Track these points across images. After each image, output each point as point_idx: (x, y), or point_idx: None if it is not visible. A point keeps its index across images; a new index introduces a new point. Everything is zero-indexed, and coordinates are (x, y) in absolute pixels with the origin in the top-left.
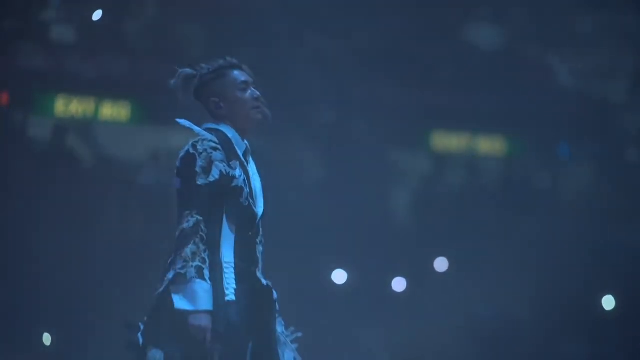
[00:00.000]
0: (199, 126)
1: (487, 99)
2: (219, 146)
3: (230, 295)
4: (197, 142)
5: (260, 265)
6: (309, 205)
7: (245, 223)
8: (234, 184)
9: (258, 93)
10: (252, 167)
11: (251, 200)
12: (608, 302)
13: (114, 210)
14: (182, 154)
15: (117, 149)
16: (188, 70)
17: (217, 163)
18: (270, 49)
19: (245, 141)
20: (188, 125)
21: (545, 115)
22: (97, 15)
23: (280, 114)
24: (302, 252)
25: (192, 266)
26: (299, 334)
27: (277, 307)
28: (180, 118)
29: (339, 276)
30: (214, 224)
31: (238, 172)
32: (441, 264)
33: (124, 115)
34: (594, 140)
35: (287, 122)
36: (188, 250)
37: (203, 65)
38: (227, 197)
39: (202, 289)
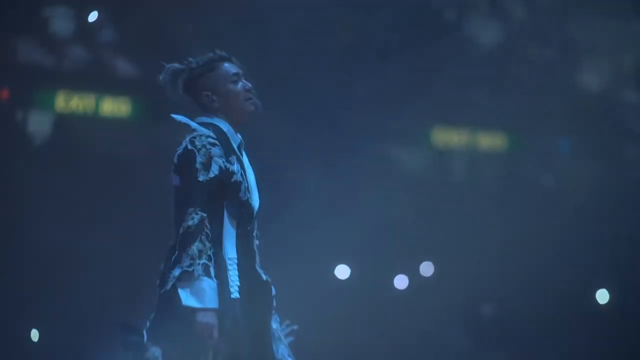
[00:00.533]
0: (193, 120)
1: (487, 94)
2: (216, 141)
3: (235, 292)
4: (195, 137)
5: (258, 259)
6: (310, 203)
7: (245, 217)
8: (233, 179)
9: (249, 85)
10: (246, 161)
11: (248, 195)
12: (602, 296)
13: (114, 206)
14: (180, 150)
15: (117, 144)
16: (176, 65)
17: (216, 158)
18: (271, 45)
19: (239, 134)
20: (184, 121)
21: (546, 111)
22: (93, 16)
23: (280, 111)
24: (303, 248)
25: (199, 264)
26: (295, 327)
27: (275, 303)
28: (180, 113)
29: (342, 271)
30: (215, 220)
31: (236, 166)
32: (426, 269)
33: (125, 111)
34: (594, 136)
35: (286, 119)
36: (195, 247)
37: (191, 59)
38: (226, 193)
39: (209, 287)
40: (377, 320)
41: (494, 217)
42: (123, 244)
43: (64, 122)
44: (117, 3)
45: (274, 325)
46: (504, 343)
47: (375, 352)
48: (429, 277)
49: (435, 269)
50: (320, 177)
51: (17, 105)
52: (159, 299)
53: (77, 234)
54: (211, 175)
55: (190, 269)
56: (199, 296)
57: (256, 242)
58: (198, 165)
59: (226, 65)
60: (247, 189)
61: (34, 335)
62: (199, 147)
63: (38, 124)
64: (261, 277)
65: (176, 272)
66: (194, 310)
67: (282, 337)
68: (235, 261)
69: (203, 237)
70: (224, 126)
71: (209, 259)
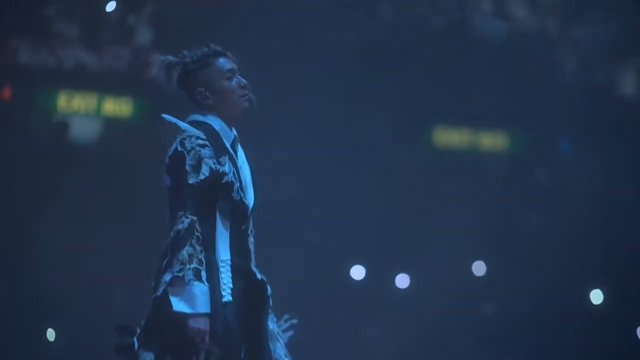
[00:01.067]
0: (186, 117)
1: (489, 94)
2: (206, 142)
3: (227, 295)
4: (185, 138)
5: (253, 257)
6: (312, 203)
7: (238, 217)
8: (224, 181)
9: (244, 81)
10: (241, 156)
11: (242, 194)
12: (596, 296)
13: (116, 206)
14: (170, 151)
15: (119, 144)
16: (170, 58)
17: (206, 160)
18: (273, 44)
19: (234, 130)
20: (173, 121)
21: (548, 110)
22: (111, 6)
23: (283, 111)
24: (318, 248)
25: (189, 268)
26: (294, 321)
27: (271, 302)
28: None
29: (358, 272)
30: (207, 222)
31: (227, 167)
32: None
33: (126, 110)
34: (593, 136)
35: (289, 119)
36: (185, 252)
37: (186, 53)
38: (218, 194)
39: (200, 292)
40: (389, 319)
41: (493, 216)
42: (126, 243)
43: (66, 122)
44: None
45: (271, 325)
46: (498, 342)
47: (386, 351)
48: (433, 277)
49: (437, 270)
50: (331, 179)
51: (18, 104)
52: (151, 305)
53: (79, 234)
54: (201, 177)
55: (180, 274)
56: (190, 301)
57: (251, 239)
58: (188, 168)
59: (221, 60)
60: (241, 188)
61: (50, 334)
62: (189, 148)
63: (40, 124)
64: (256, 276)
65: (167, 277)
66: (185, 316)
67: (279, 337)
68: (229, 263)
69: (193, 241)
70: (217, 124)
71: (200, 263)
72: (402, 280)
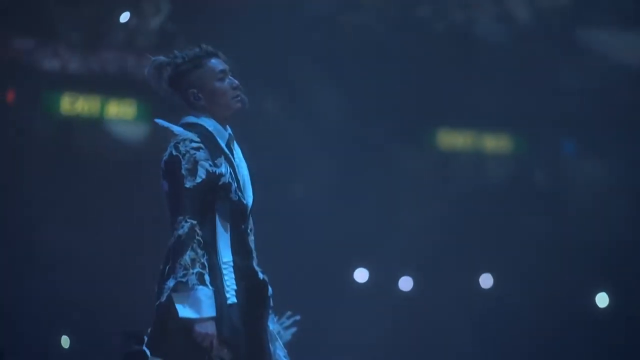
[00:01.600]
0: (179, 119)
1: (492, 96)
2: (201, 144)
3: (232, 297)
4: (179, 142)
5: (254, 256)
6: (315, 205)
7: (238, 217)
8: (221, 182)
9: (236, 82)
10: (237, 154)
11: (240, 193)
12: (602, 300)
13: (121, 209)
14: (165, 156)
15: (122, 146)
16: (162, 59)
17: (202, 162)
18: (276, 47)
19: (228, 129)
20: (166, 125)
21: (551, 113)
22: (125, 17)
23: (287, 112)
24: (321, 251)
25: (192, 273)
26: (297, 318)
27: (271, 303)
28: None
29: (361, 275)
30: (207, 225)
31: (224, 168)
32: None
33: (130, 113)
34: (598, 138)
35: (292, 120)
36: (187, 257)
37: (177, 53)
38: (216, 196)
39: (205, 296)
40: (394, 322)
41: (499, 219)
42: (131, 246)
43: (70, 124)
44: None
45: (271, 325)
46: (503, 346)
47: (394, 354)
48: (437, 279)
49: (441, 273)
50: (334, 182)
51: (23, 107)
52: (156, 312)
53: (83, 236)
54: (198, 180)
55: (184, 280)
56: (195, 306)
57: (251, 237)
58: (184, 172)
59: (213, 61)
60: (239, 187)
61: (65, 341)
62: (183, 152)
63: (44, 126)
64: (258, 276)
65: (170, 283)
66: (191, 321)
67: (279, 338)
68: (231, 264)
69: (195, 245)
70: (210, 125)
71: (203, 267)
72: (406, 283)
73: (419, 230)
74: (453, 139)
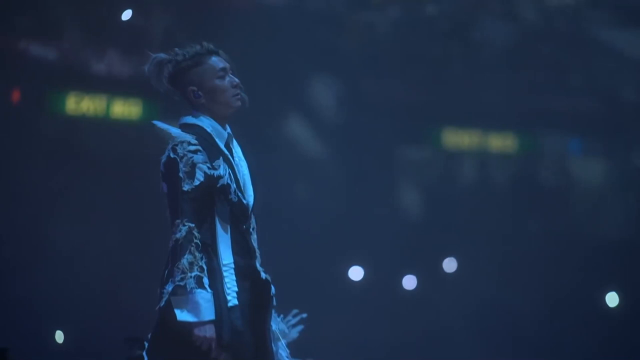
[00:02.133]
0: (177, 119)
1: (498, 95)
2: (198, 146)
3: (233, 300)
4: (177, 145)
5: (257, 254)
6: (320, 203)
7: (239, 218)
8: (220, 184)
9: (237, 80)
10: (237, 153)
11: (240, 194)
12: (612, 299)
13: (125, 208)
14: (163, 158)
15: (128, 146)
16: (162, 56)
17: (200, 165)
18: (279, 46)
19: (227, 128)
20: (164, 127)
21: (557, 112)
22: (127, 14)
23: (288, 112)
24: (316, 249)
25: (190, 277)
26: (304, 316)
27: (274, 302)
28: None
29: (356, 273)
30: (207, 227)
31: (222, 170)
32: (450, 265)
33: (136, 112)
34: (607, 138)
35: (295, 120)
36: (185, 260)
37: (178, 50)
38: (215, 198)
39: (204, 299)
40: (390, 321)
41: (505, 218)
42: (135, 246)
43: (75, 124)
44: (129, 4)
45: (274, 325)
46: (511, 345)
47: (389, 353)
48: (441, 278)
49: (445, 271)
50: (327, 180)
51: (28, 107)
52: (157, 316)
53: (88, 236)
54: (196, 183)
55: (182, 283)
56: (194, 310)
57: (254, 236)
58: (182, 174)
59: (213, 59)
60: (238, 187)
61: (59, 336)
62: (181, 155)
63: (49, 126)
64: (260, 276)
65: (169, 287)
66: (190, 325)
67: (285, 337)
68: (232, 266)
69: (192, 248)
70: (209, 125)
71: (201, 270)
72: (410, 282)
73: (420, 230)
74: (458, 138)
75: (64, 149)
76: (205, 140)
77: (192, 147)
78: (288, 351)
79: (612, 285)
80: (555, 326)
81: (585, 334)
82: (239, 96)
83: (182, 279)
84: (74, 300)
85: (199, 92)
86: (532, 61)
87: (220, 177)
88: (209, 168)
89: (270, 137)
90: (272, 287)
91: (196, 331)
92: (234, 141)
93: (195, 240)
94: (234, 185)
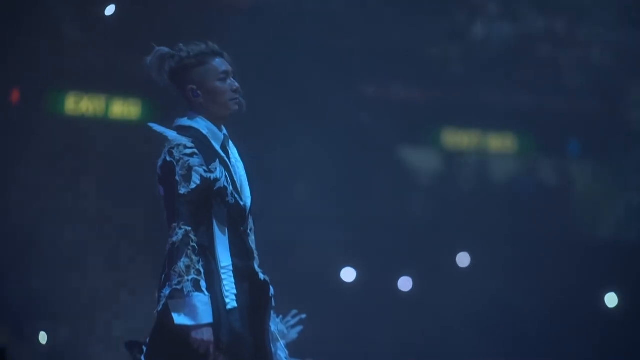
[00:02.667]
0: (173, 120)
1: (497, 96)
2: (194, 149)
3: (231, 302)
4: (173, 148)
5: (256, 255)
6: (319, 203)
7: (236, 220)
8: (216, 187)
9: (237, 84)
10: (233, 154)
11: (237, 196)
12: (611, 300)
13: (123, 209)
14: (160, 162)
15: (127, 146)
16: (165, 50)
17: (196, 168)
18: (280, 46)
19: (224, 129)
20: (160, 130)
21: (556, 113)
22: (110, 10)
23: (289, 112)
24: (308, 250)
25: (187, 280)
26: (303, 316)
27: (273, 303)
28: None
29: (348, 274)
30: (204, 230)
31: (219, 172)
32: (463, 259)
33: (135, 113)
34: (606, 138)
35: (295, 120)
36: (181, 264)
37: (182, 47)
38: (212, 200)
39: (201, 302)
40: (383, 322)
41: (504, 219)
42: (133, 246)
43: (75, 124)
44: (128, 4)
45: (273, 326)
46: (510, 346)
47: (382, 355)
48: (438, 279)
49: (444, 271)
50: (327, 180)
51: (27, 107)
52: (155, 320)
53: (87, 235)
54: (192, 186)
55: (179, 287)
56: (191, 313)
57: (252, 237)
58: (178, 178)
59: (217, 61)
60: (235, 189)
61: (42, 337)
62: (177, 158)
63: (48, 126)
64: (259, 277)
65: (166, 291)
66: (188, 328)
67: (284, 338)
68: (230, 268)
69: (189, 252)
70: (205, 127)
71: (198, 273)
72: (405, 284)
73: (420, 230)
74: (458, 139)
75: (64, 149)
76: (201, 142)
77: (188, 151)
78: (287, 352)
79: (611, 285)
80: (554, 326)
81: (585, 334)
82: (237, 100)
83: (179, 283)
84: (74, 300)
85: (198, 92)
86: (532, 61)
87: (217, 179)
88: (205, 171)
89: (266, 139)
90: (271, 288)
91: (194, 334)
92: (230, 142)
93: (192, 244)
94: (231, 187)
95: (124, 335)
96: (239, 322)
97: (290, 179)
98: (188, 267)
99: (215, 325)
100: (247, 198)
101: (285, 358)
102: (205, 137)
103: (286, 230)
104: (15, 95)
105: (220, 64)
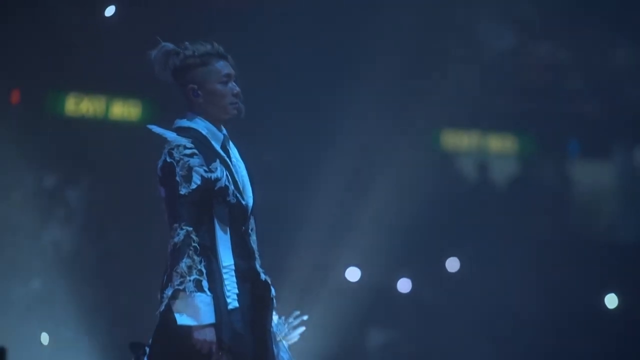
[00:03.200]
0: (173, 122)
1: (497, 97)
2: (194, 150)
3: (233, 302)
4: (172, 149)
5: (257, 256)
6: (319, 204)
7: (238, 219)
8: (217, 187)
9: (238, 88)
10: (234, 154)
11: (239, 195)
12: (611, 301)
13: (123, 210)
14: (160, 163)
15: (127, 147)
16: (170, 46)
17: (196, 168)
18: (279, 45)
19: (223, 129)
20: (160, 132)
21: (556, 113)
22: (110, 11)
23: (288, 112)
24: (313, 250)
25: (189, 280)
26: (305, 317)
27: (275, 303)
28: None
29: (353, 274)
30: (206, 230)
31: (219, 172)
32: (452, 264)
33: (135, 114)
34: (605, 140)
35: (295, 120)
36: (183, 264)
37: (188, 45)
38: (213, 200)
39: (203, 302)
40: (386, 322)
41: (503, 220)
42: (133, 247)
43: (75, 125)
44: (128, 5)
45: (275, 327)
46: (511, 347)
47: (384, 355)
48: (438, 280)
49: (444, 273)
50: (330, 180)
51: (27, 108)
52: (158, 321)
53: (87, 237)
54: (193, 186)
55: (181, 287)
56: (193, 314)
57: (253, 237)
58: (178, 178)
59: (221, 63)
60: (237, 189)
61: (44, 338)
62: (177, 158)
63: (48, 127)
64: (260, 277)
65: (169, 291)
66: (190, 329)
67: (282, 339)
68: (233, 267)
69: (191, 252)
70: (204, 128)
71: (200, 273)
72: (404, 285)
73: (422, 230)
74: (457, 139)
75: (64, 149)
76: (201, 143)
77: (188, 151)
78: (289, 354)
79: (611, 286)
80: (554, 327)
81: (585, 335)
82: (237, 105)
83: (181, 283)
84: (73, 301)
85: (199, 92)
86: (532, 62)
87: (217, 179)
88: (205, 171)
89: (268, 138)
90: (272, 289)
91: (196, 335)
92: (231, 142)
93: (193, 244)
94: (232, 186)
95: (127, 337)
96: (241, 322)
97: (290, 179)
98: (190, 268)
99: (217, 326)
100: (248, 198)
101: (288, 359)
102: (205, 137)
103: (286, 230)
104: (15, 96)
105: (224, 66)
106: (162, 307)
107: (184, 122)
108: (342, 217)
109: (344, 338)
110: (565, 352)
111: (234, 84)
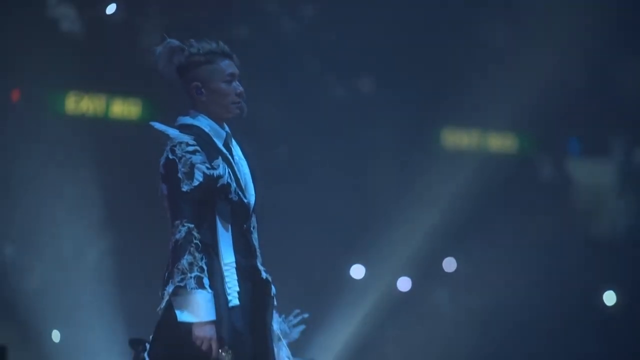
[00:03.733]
0: (176, 119)
1: (497, 95)
2: (197, 147)
3: (234, 300)
4: (175, 146)
5: (258, 254)
6: (319, 202)
7: (240, 217)
8: (219, 184)
9: (241, 88)
10: (236, 152)
11: (241, 193)
12: (609, 298)
13: (124, 208)
14: (162, 160)
15: (127, 145)
16: (176, 42)
17: (198, 165)
18: (279, 46)
19: (226, 127)
20: (162, 129)
21: (556, 112)
22: (111, 8)
23: (289, 111)
24: (318, 247)
25: (190, 277)
26: (305, 315)
27: (275, 302)
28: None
29: (358, 271)
30: (207, 227)
31: (221, 169)
32: (449, 264)
33: (135, 112)
34: (603, 137)
35: (298, 119)
36: (184, 261)
37: (193, 42)
38: (215, 197)
39: (204, 299)
40: (389, 320)
41: (503, 218)
42: (134, 245)
43: (75, 124)
44: (128, 3)
45: (275, 325)
46: (509, 345)
47: (388, 352)
48: (439, 279)
49: (444, 271)
50: (332, 178)
51: (27, 106)
52: (159, 317)
53: (88, 235)
54: (195, 183)
55: (182, 284)
56: (194, 310)
57: (255, 235)
58: (180, 175)
59: (225, 62)
60: (239, 187)
61: (55, 336)
62: (180, 155)
63: (49, 125)
64: (261, 275)
65: (170, 288)
66: (190, 325)
67: (286, 337)
68: (234, 265)
69: (192, 249)
70: (207, 125)
71: (201, 270)
72: (404, 284)
73: (423, 229)
74: (458, 138)
75: (64, 148)
76: (204, 140)
77: (191, 148)
78: (289, 352)
79: (609, 284)
80: (553, 324)
81: (583, 332)
82: (239, 105)
83: (182, 280)
84: (74, 300)
85: (202, 90)
86: (531, 61)
87: (219, 176)
88: (207, 168)
89: (272, 136)
90: (273, 288)
91: (196, 331)
92: (233, 140)
93: (194, 241)
94: (234, 184)
95: (128, 333)
96: (241, 320)
97: (292, 177)
98: (191, 265)
99: (217, 323)
100: (250, 196)
101: (287, 357)
102: (207, 134)
103: (293, 229)
104: (15, 95)
105: (228, 65)
106: (163, 304)
107: (187, 120)
108: (344, 216)
109: (349, 334)
110: (563, 350)
111: (237, 83)
